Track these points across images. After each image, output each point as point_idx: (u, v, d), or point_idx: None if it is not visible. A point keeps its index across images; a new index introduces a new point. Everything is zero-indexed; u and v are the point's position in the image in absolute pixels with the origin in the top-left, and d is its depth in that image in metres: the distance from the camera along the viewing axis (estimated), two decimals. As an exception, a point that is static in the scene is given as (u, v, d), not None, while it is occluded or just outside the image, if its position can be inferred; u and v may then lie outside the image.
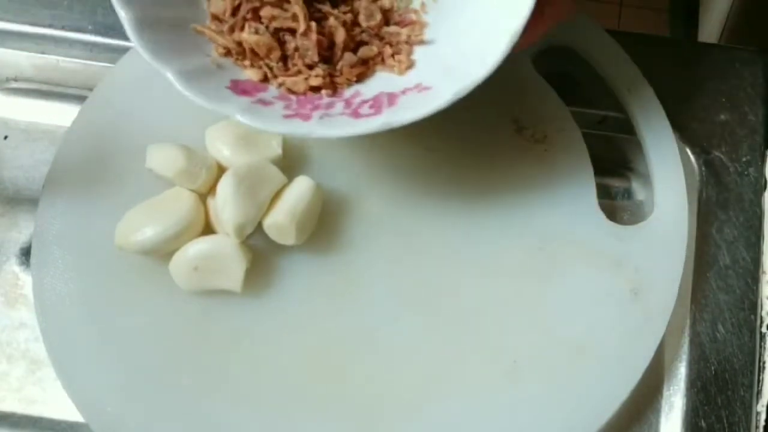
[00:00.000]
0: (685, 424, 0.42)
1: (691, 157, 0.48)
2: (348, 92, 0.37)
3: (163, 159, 0.42)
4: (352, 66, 0.37)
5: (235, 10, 0.37)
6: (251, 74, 0.37)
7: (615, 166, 0.50)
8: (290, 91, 0.37)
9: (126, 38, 0.35)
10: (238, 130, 0.43)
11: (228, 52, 0.37)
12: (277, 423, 0.40)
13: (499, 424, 0.40)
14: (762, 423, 0.41)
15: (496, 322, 0.42)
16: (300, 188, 0.42)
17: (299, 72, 0.37)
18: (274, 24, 0.37)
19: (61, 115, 0.49)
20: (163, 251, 0.42)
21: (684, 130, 0.48)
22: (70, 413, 0.42)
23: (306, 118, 0.35)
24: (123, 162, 0.45)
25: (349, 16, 0.38)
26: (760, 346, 0.43)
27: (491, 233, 0.44)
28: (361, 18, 0.38)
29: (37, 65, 0.50)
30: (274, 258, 0.43)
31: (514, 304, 0.43)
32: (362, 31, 0.38)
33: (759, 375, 0.43)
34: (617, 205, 0.49)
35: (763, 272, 0.45)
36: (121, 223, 0.42)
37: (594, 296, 0.43)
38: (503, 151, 0.46)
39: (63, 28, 0.49)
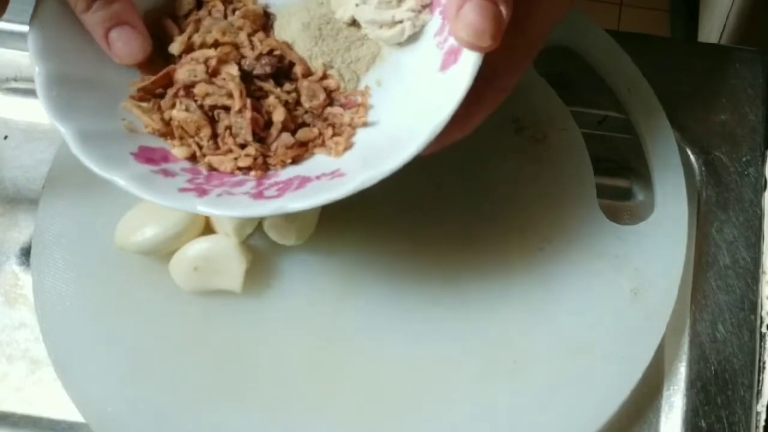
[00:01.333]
0: (685, 424, 0.42)
1: (691, 157, 0.48)
2: (283, 174, 0.36)
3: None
4: (289, 147, 0.36)
5: (164, 83, 0.36)
6: (178, 152, 0.35)
7: (615, 166, 0.50)
8: (214, 169, 0.35)
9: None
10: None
11: (155, 132, 0.36)
12: (277, 423, 0.40)
13: (499, 424, 0.40)
14: (762, 423, 0.41)
15: (497, 322, 0.42)
16: (300, 188, 0.42)
17: (229, 151, 0.35)
18: (208, 101, 0.35)
19: (61, 115, 0.49)
20: (163, 251, 0.42)
21: (684, 130, 0.48)
22: (70, 413, 0.42)
23: (202, 193, 0.33)
24: (123, 162, 0.44)
25: (293, 96, 0.36)
26: (760, 346, 0.43)
27: (491, 233, 0.44)
28: (303, 98, 0.36)
29: (37, 65, 0.50)
30: (274, 258, 0.43)
31: (515, 304, 0.42)
32: (305, 112, 0.37)
33: (759, 375, 0.43)
34: (617, 205, 0.49)
35: (763, 272, 0.45)
36: (121, 223, 0.42)
37: (594, 296, 0.43)
38: (503, 151, 0.46)
39: (63, 28, 0.49)
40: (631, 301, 0.42)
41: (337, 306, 0.42)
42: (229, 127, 0.35)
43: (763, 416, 0.41)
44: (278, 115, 0.36)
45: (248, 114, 0.35)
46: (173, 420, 0.40)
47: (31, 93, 0.50)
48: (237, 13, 0.38)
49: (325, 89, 0.37)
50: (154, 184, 0.33)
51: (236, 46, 0.37)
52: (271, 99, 0.36)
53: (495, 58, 0.32)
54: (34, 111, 0.50)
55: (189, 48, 0.36)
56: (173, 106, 0.36)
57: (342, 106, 0.37)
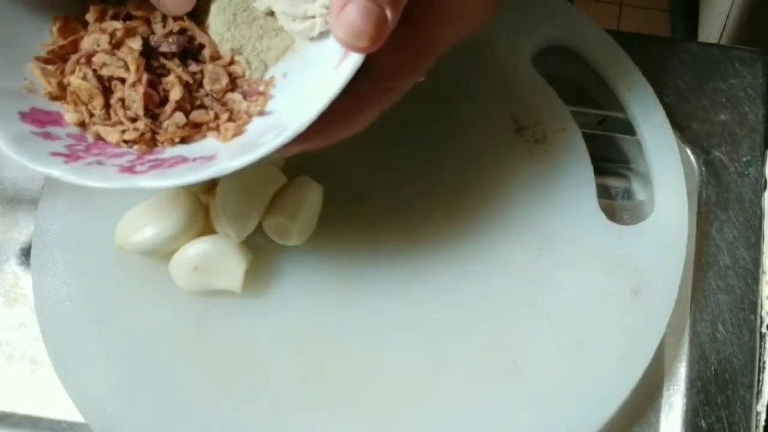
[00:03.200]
0: (685, 424, 0.42)
1: (691, 157, 0.48)
2: (167, 153, 0.36)
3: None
4: (180, 127, 0.36)
5: (71, 50, 0.36)
6: (69, 117, 0.36)
7: (615, 166, 0.50)
8: (100, 138, 0.36)
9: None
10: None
11: (52, 97, 0.36)
12: (277, 422, 0.40)
13: (499, 424, 0.40)
14: (762, 423, 0.41)
15: (497, 322, 0.42)
16: (300, 188, 0.42)
17: (119, 123, 0.35)
18: (105, 71, 0.35)
19: (61, 115, 0.49)
20: (163, 251, 0.42)
21: (684, 130, 0.48)
22: (70, 413, 0.42)
23: (73, 159, 0.34)
24: (123, 162, 0.44)
25: (197, 77, 0.36)
26: (760, 346, 0.43)
27: (491, 233, 0.44)
28: (206, 81, 0.36)
29: (37, 65, 0.50)
30: (274, 258, 0.43)
31: (515, 304, 0.42)
32: (206, 95, 0.37)
33: (759, 375, 0.43)
34: (617, 205, 0.49)
35: (763, 272, 0.45)
36: (121, 223, 0.42)
37: (594, 296, 0.43)
38: (503, 151, 0.46)
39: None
40: (631, 301, 0.42)
41: (336, 306, 0.42)
42: (122, 99, 0.35)
43: (763, 416, 0.41)
44: (175, 94, 0.36)
45: (141, 88, 0.35)
46: (173, 420, 0.40)
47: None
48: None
49: (230, 75, 0.37)
50: (27, 145, 0.34)
51: (148, 22, 0.37)
52: (171, 77, 0.36)
53: (383, 59, 0.32)
54: (34, 111, 0.50)
55: (101, 17, 0.37)
56: (73, 72, 0.36)
57: (243, 93, 0.37)
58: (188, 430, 0.40)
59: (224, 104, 0.36)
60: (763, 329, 0.44)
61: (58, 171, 0.33)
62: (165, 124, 0.36)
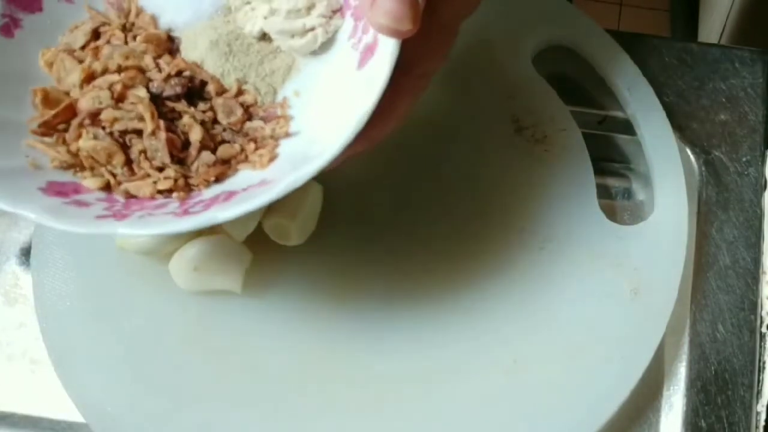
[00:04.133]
0: (685, 424, 0.42)
1: (691, 157, 0.48)
2: (207, 194, 0.35)
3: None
4: (210, 166, 0.35)
5: (66, 116, 0.35)
6: (90, 183, 0.34)
7: (615, 166, 0.50)
8: (131, 196, 0.34)
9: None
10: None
11: (65, 165, 0.34)
12: (277, 422, 0.40)
13: (499, 424, 0.40)
14: (762, 423, 0.41)
15: (496, 322, 0.42)
16: (300, 188, 0.42)
17: (147, 176, 0.34)
18: (117, 126, 0.34)
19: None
20: (163, 251, 0.42)
21: (684, 130, 0.48)
22: (70, 413, 0.42)
23: (121, 218, 0.32)
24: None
25: (209, 114, 0.35)
26: (760, 346, 0.43)
27: (491, 233, 0.44)
28: (220, 116, 0.35)
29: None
30: (274, 258, 0.43)
31: (515, 304, 0.42)
32: (224, 129, 0.36)
33: (759, 375, 0.43)
34: (617, 205, 0.49)
35: (763, 272, 0.45)
36: (121, 223, 0.42)
37: (594, 296, 0.43)
38: (503, 151, 0.46)
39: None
40: (631, 301, 0.42)
41: (336, 306, 0.42)
42: (143, 151, 0.34)
43: (763, 416, 0.41)
44: (195, 134, 0.35)
45: (162, 135, 0.34)
46: (173, 420, 0.40)
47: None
48: (138, 38, 0.37)
49: (242, 105, 0.36)
50: (68, 214, 0.32)
51: (142, 71, 0.36)
52: (186, 119, 0.35)
53: (410, 45, 0.32)
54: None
55: (90, 77, 0.35)
56: (79, 136, 0.34)
57: (262, 119, 0.36)
58: (188, 430, 0.40)
59: (246, 134, 0.36)
60: (763, 329, 0.44)
61: (124, 228, 0.31)
62: (194, 166, 0.35)
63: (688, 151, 0.48)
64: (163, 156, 0.34)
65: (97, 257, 0.43)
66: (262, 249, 0.43)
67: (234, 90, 0.36)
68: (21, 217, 0.31)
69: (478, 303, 0.42)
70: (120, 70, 0.35)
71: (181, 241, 0.42)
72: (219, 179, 0.35)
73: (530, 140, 0.46)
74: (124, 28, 0.37)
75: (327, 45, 0.37)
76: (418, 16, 0.30)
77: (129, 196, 0.34)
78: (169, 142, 0.34)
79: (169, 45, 0.37)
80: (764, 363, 0.43)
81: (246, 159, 0.35)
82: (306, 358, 0.42)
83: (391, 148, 0.45)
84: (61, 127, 0.35)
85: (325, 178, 0.44)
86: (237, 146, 0.35)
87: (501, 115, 0.46)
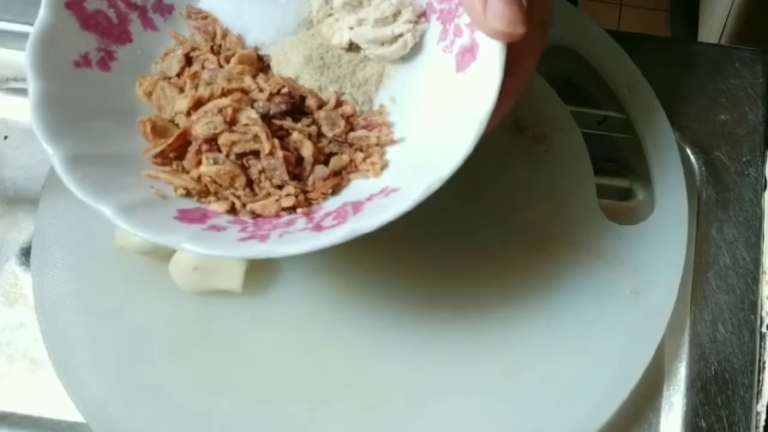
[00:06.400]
0: (685, 424, 0.42)
1: (691, 157, 0.48)
2: (328, 206, 0.35)
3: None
4: (326, 179, 0.35)
5: (179, 144, 0.35)
6: (217, 207, 0.35)
7: (615, 166, 0.50)
8: (257, 215, 0.35)
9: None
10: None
11: (188, 193, 0.35)
12: (277, 423, 0.40)
13: (499, 424, 0.40)
14: (762, 423, 0.41)
15: (496, 322, 0.42)
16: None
17: (269, 195, 0.35)
18: (236, 149, 0.35)
19: (61, 115, 0.49)
20: (163, 251, 0.42)
21: (684, 130, 0.48)
22: (70, 413, 0.42)
23: (263, 238, 0.33)
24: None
25: (313, 128, 0.36)
26: (760, 346, 0.43)
27: (491, 233, 0.44)
28: (325, 129, 0.36)
29: (37, 65, 0.50)
30: (274, 258, 0.43)
31: (515, 304, 0.42)
32: (330, 142, 0.36)
33: (759, 375, 0.43)
34: (617, 205, 0.49)
35: (763, 272, 0.45)
36: (121, 223, 0.42)
37: (594, 296, 0.43)
38: (503, 151, 0.46)
39: (63, 28, 0.49)
40: (631, 301, 0.42)
41: (336, 306, 0.42)
42: (262, 171, 0.35)
43: (763, 416, 0.41)
44: (307, 150, 0.35)
45: (280, 153, 0.35)
46: (173, 420, 0.40)
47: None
48: (232, 60, 0.37)
49: (343, 116, 0.37)
50: (214, 241, 0.32)
51: (245, 92, 0.36)
52: (295, 135, 0.36)
53: (512, 47, 0.33)
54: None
55: (197, 103, 0.36)
56: (199, 163, 0.35)
57: (364, 128, 0.37)
58: (188, 429, 0.40)
59: (351, 145, 0.36)
60: (763, 329, 0.44)
61: (279, 248, 0.32)
62: (310, 181, 0.35)
63: (688, 151, 0.48)
64: (281, 174, 0.35)
65: (97, 257, 0.43)
66: (262, 249, 0.43)
67: (333, 102, 0.37)
68: (175, 248, 0.32)
69: (477, 303, 0.42)
70: (225, 93, 0.36)
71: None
72: (335, 191, 0.36)
73: (530, 140, 0.46)
74: (213, 51, 0.38)
75: (415, 49, 0.37)
76: (526, 16, 0.31)
77: (255, 216, 0.35)
78: (286, 160, 0.35)
79: (259, 64, 0.38)
80: (764, 363, 0.43)
81: (356, 169, 0.36)
82: (306, 357, 0.42)
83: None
84: (172, 155, 0.35)
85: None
86: (346, 157, 0.36)
87: (501, 115, 0.46)
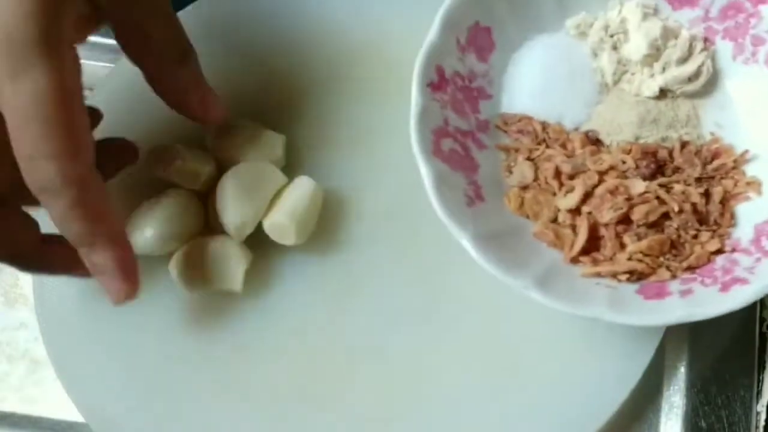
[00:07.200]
0: (685, 424, 0.42)
1: (692, 157, 0.48)
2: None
3: (163, 159, 0.42)
4: (722, 213, 0.39)
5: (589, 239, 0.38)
6: (665, 275, 0.38)
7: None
8: (691, 268, 0.38)
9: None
10: (238, 130, 0.43)
11: (633, 278, 0.38)
12: (277, 423, 0.40)
13: (499, 424, 0.40)
14: (762, 423, 0.41)
15: (496, 322, 0.42)
16: (300, 188, 0.42)
17: (693, 247, 0.38)
18: (651, 218, 0.38)
19: (61, 115, 0.49)
20: (163, 251, 0.42)
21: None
22: (70, 413, 0.42)
23: (686, 294, 0.36)
24: (123, 162, 0.44)
25: (684, 176, 0.39)
26: (760, 346, 0.43)
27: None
28: (689, 171, 0.39)
29: (37, 65, 0.50)
30: (274, 258, 0.43)
31: (514, 304, 0.42)
32: (696, 180, 0.39)
33: (759, 375, 0.42)
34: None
35: (763, 272, 0.45)
36: (121, 223, 0.42)
37: (594, 296, 0.43)
38: (503, 151, 0.46)
39: (63, 28, 0.49)
40: (631, 301, 0.42)
41: (337, 306, 0.42)
42: (677, 228, 0.38)
43: (763, 416, 0.41)
44: (695, 196, 0.39)
45: (688, 206, 0.38)
46: (173, 420, 0.40)
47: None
48: (576, 146, 0.40)
49: (696, 154, 0.40)
50: (702, 307, 0.35)
51: (613, 167, 0.39)
52: (677, 187, 0.39)
53: None
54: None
55: (586, 195, 0.39)
56: (621, 245, 0.38)
57: (714, 159, 0.40)
58: (188, 430, 0.40)
59: (712, 177, 0.40)
60: (764, 329, 0.44)
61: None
62: (711, 219, 0.39)
63: (689, 151, 0.48)
64: (693, 223, 0.38)
65: (97, 257, 0.43)
66: (262, 249, 0.43)
67: (678, 146, 0.40)
68: (580, 316, 0.36)
69: (477, 302, 0.42)
70: (601, 177, 0.39)
71: (181, 241, 0.42)
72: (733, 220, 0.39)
73: (530, 140, 0.46)
74: (547, 145, 0.41)
75: (714, 73, 0.42)
76: None
77: (689, 269, 0.38)
78: (693, 209, 0.38)
79: (587, 140, 0.41)
80: (764, 363, 0.43)
81: (735, 195, 0.39)
82: (306, 358, 0.42)
83: (391, 148, 0.45)
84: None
85: (325, 178, 0.44)
86: (720, 188, 0.39)
87: (501, 115, 0.46)
